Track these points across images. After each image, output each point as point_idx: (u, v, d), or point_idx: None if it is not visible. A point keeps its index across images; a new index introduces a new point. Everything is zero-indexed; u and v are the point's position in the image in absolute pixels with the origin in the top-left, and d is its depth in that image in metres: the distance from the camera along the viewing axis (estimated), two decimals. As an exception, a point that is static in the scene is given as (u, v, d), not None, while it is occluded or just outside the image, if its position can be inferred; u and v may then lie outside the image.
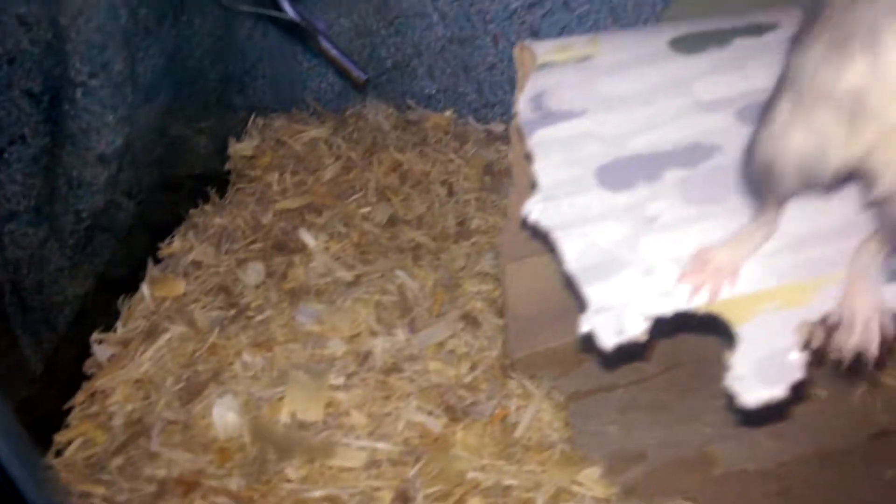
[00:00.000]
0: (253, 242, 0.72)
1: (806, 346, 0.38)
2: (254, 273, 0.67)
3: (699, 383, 0.62)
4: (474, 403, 0.59)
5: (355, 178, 0.83)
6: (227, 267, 0.68)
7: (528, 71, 0.54)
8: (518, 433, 0.57)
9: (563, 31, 0.96)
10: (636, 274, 0.43)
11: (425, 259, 0.73)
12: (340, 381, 0.57)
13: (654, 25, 0.65)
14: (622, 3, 0.95)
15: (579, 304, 0.42)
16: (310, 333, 0.61)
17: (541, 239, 0.48)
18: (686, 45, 0.55)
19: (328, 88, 1.03)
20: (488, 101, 1.01)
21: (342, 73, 0.87)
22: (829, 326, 0.40)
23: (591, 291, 0.42)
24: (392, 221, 0.79)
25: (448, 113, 0.98)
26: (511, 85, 0.96)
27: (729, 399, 0.38)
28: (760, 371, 0.38)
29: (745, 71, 0.52)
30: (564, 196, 0.46)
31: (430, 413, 0.57)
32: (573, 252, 0.44)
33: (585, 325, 0.40)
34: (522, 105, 0.52)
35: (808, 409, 0.59)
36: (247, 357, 0.58)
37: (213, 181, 0.82)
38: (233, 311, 0.63)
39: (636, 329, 0.40)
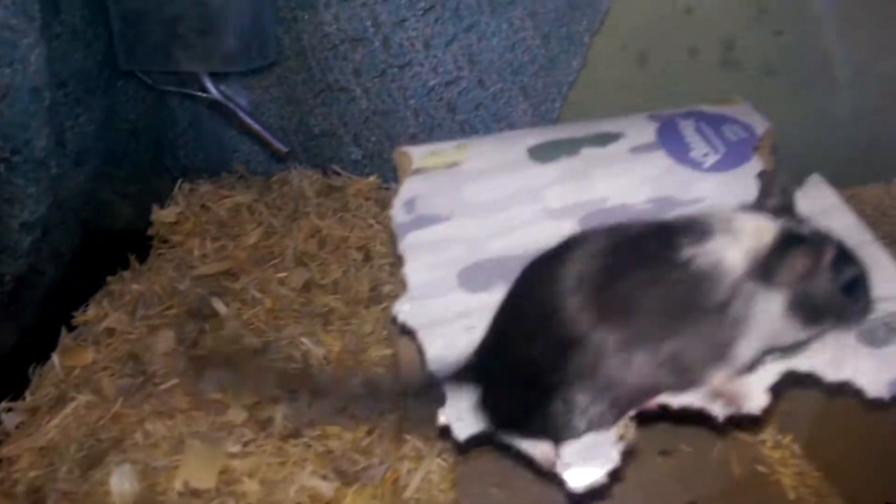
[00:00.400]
0: (168, 309, 0.76)
1: (621, 438, 0.43)
2: (164, 340, 0.70)
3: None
4: (367, 467, 0.62)
5: (275, 243, 0.87)
6: (139, 334, 0.71)
7: (404, 175, 0.60)
8: (407, 495, 0.61)
9: (477, 108, 1.03)
10: None
11: (335, 324, 0.77)
12: (237, 448, 0.60)
13: (516, 132, 0.72)
14: (532, 83, 1.02)
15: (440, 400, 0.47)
16: (212, 401, 0.64)
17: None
18: (541, 153, 0.62)
19: (258, 153, 1.07)
20: (412, 167, 1.07)
21: (265, 146, 0.92)
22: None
23: (448, 388, 0.47)
24: (307, 286, 0.83)
25: (372, 178, 1.03)
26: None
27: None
28: (584, 458, 0.43)
29: (590, 180, 0.59)
30: (429, 297, 0.52)
31: (323, 478, 0.61)
32: (433, 350, 0.49)
33: (441, 418, 0.45)
34: (396, 209, 0.59)
35: (674, 464, 0.65)
36: (149, 425, 0.61)
37: (134, 247, 0.85)
38: (140, 379, 0.66)
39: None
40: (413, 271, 0.53)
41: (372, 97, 1.00)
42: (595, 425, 0.45)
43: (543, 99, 1.04)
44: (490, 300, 0.51)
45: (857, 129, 1.03)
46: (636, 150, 0.61)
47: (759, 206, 0.52)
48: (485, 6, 0.96)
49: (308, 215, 0.91)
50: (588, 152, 0.61)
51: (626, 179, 0.59)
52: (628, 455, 0.44)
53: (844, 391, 0.45)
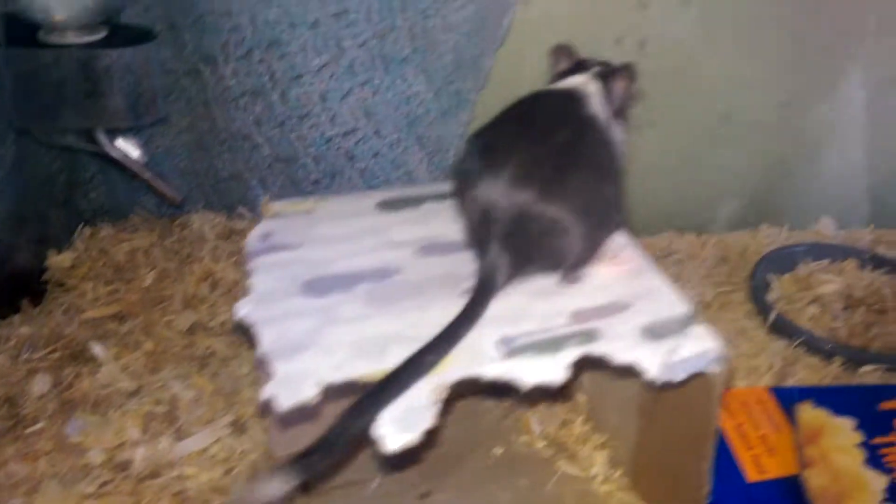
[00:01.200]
0: (52, 352, 0.80)
1: (437, 401, 0.50)
2: (40, 384, 0.75)
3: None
4: (221, 507, 0.68)
5: (167, 287, 0.92)
6: (18, 377, 0.75)
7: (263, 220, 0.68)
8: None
9: (375, 156, 1.10)
10: (316, 353, 0.54)
11: (213, 366, 0.83)
12: (92, 489, 0.65)
13: (368, 192, 0.82)
14: (427, 134, 1.09)
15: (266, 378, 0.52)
16: (75, 444, 0.69)
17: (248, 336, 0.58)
18: (389, 205, 0.70)
19: (166, 196, 1.13)
20: (316, 209, 1.13)
21: (159, 194, 0.97)
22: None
23: (276, 366, 0.53)
24: (193, 329, 0.87)
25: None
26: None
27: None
28: (401, 422, 0.48)
29: (428, 224, 0.67)
30: (270, 301, 0.58)
31: (175, 517, 0.66)
32: (267, 339, 0.55)
33: (265, 393, 0.50)
34: (251, 239, 0.65)
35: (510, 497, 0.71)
36: (12, 467, 0.66)
37: (29, 292, 0.90)
38: (11, 422, 0.71)
39: (309, 394, 0.50)
40: (259, 281, 0.60)
41: (274, 145, 1.06)
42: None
43: (437, 149, 1.10)
44: (328, 303, 0.59)
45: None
46: None
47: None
48: (378, 64, 1.02)
49: (202, 260, 0.96)
50: (429, 206, 0.70)
51: (459, 225, 0.67)
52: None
53: (630, 372, 0.55)
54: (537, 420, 0.79)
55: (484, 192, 0.59)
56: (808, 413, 0.67)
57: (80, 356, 0.80)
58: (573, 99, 0.68)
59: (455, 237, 0.65)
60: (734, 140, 1.10)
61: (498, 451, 0.75)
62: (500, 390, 0.54)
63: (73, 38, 0.79)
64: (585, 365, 0.55)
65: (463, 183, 0.63)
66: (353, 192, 1.01)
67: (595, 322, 0.56)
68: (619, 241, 0.67)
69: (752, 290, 0.94)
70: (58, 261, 0.92)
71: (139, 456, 0.69)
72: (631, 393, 0.67)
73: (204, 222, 1.05)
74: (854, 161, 1.13)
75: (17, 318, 0.85)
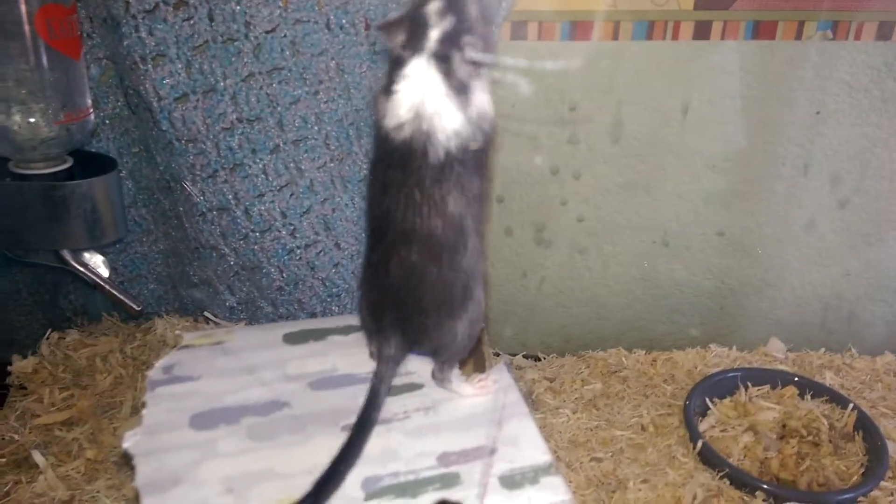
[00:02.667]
0: (0, 458, 0.86)
1: None
2: (-22, 492, 0.80)
3: None
4: None
5: (119, 393, 0.97)
6: (-40, 484, 0.81)
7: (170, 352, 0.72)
8: None
9: (336, 266, 1.15)
10: (187, 489, 0.57)
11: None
12: None
13: (280, 322, 0.87)
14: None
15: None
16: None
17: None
18: (294, 338, 0.75)
19: (142, 298, 1.20)
20: (281, 314, 1.18)
21: (119, 305, 1.04)
22: None
23: (144, 501, 0.56)
24: (137, 438, 0.92)
25: (241, 325, 1.14)
26: (298, 304, 1.14)
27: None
28: None
29: (327, 357, 0.71)
30: (157, 433, 0.62)
31: None
32: (143, 471, 0.58)
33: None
34: (154, 370, 0.70)
35: None
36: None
37: (-2, 394, 0.96)
38: (-56, 532, 0.75)
39: None
40: (150, 413, 0.64)
41: (239, 255, 1.12)
42: None
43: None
44: (211, 437, 0.62)
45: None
46: None
47: None
48: (338, 184, 1.09)
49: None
50: (333, 339, 0.74)
51: (357, 358, 0.73)
52: None
53: None
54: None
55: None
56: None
57: (23, 463, 0.85)
58: None
59: (350, 370, 0.69)
60: (680, 261, 1.13)
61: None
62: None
63: (39, 168, 0.87)
64: None
65: None
66: (264, 324, 1.07)
67: (458, 466, 0.59)
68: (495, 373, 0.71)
69: (685, 416, 0.94)
70: (21, 366, 0.98)
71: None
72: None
73: (167, 327, 1.10)
74: (803, 285, 1.15)
75: (-28, 423, 0.91)
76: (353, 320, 0.77)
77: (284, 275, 1.14)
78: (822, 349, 1.13)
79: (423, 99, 0.62)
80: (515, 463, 0.60)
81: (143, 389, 0.68)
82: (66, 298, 1.18)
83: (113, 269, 1.17)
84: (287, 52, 0.99)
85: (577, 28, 1.03)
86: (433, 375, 0.69)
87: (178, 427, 0.63)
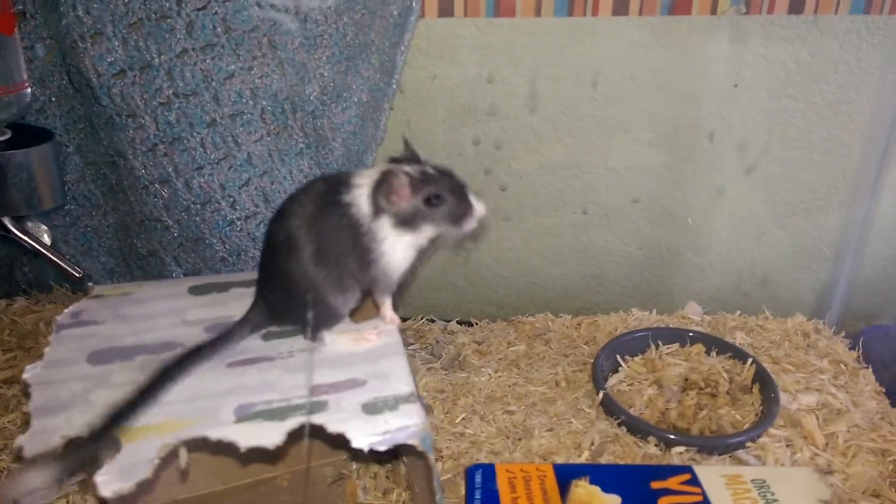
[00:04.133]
0: (-63, 414, 0.91)
1: (158, 457, 0.57)
2: None
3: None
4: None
5: (62, 355, 1.03)
6: None
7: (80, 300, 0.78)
8: None
9: (274, 237, 1.20)
10: (74, 413, 0.63)
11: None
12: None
13: (190, 278, 0.92)
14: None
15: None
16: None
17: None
18: (199, 290, 0.80)
19: (93, 270, 1.25)
20: (226, 286, 1.23)
21: (62, 272, 1.09)
22: None
23: (34, 421, 0.62)
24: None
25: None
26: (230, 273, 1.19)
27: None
28: (122, 473, 0.56)
29: (226, 306, 0.76)
30: (55, 367, 0.67)
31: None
32: (37, 398, 0.64)
33: (17, 442, 0.59)
34: (62, 315, 0.75)
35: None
36: None
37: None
38: None
39: (53, 445, 0.59)
40: (52, 351, 0.70)
41: (182, 227, 1.17)
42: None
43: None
44: (104, 371, 0.68)
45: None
46: None
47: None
48: (275, 157, 1.14)
49: (99, 331, 1.06)
50: (235, 290, 0.80)
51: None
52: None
53: (340, 441, 0.62)
54: (362, 489, 0.85)
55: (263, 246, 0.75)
56: (581, 489, 0.73)
57: (-37, 416, 0.90)
58: (336, 185, 0.78)
59: None
60: (604, 229, 1.18)
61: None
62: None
63: (-24, 139, 0.92)
64: (311, 433, 0.63)
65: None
66: (173, 279, 1.12)
67: (327, 396, 0.64)
68: (378, 322, 0.77)
69: (592, 371, 1.00)
70: (-33, 329, 1.04)
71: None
72: (419, 465, 0.74)
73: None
74: (721, 251, 1.20)
75: (-81, 379, 0.96)
76: (254, 277, 0.83)
77: (227, 246, 1.19)
78: (738, 312, 1.18)
79: None
80: (380, 393, 0.65)
81: (52, 332, 0.73)
82: (21, 270, 1.23)
83: (64, 243, 1.23)
84: (219, 29, 1.03)
85: (501, 4, 1.08)
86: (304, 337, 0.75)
87: (75, 363, 0.68)
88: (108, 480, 0.55)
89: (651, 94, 1.12)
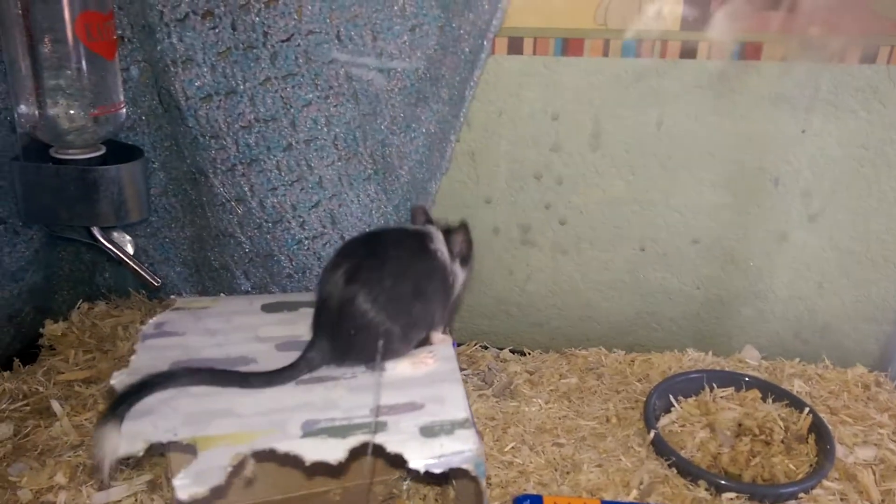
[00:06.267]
0: (24, 405, 0.97)
1: (231, 465, 0.62)
2: (2, 430, 0.91)
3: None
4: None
5: (136, 358, 1.09)
6: (-10, 423, 0.93)
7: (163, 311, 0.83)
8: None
9: (339, 257, 1.25)
10: (157, 418, 0.69)
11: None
12: (15, 522, 0.79)
13: (260, 295, 1.01)
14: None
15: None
16: (12, 483, 0.84)
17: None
18: (270, 308, 0.85)
19: (168, 279, 1.32)
20: (291, 301, 1.28)
21: (141, 280, 1.16)
22: None
23: (124, 427, 0.67)
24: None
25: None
26: (305, 291, 1.24)
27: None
28: (197, 478, 0.60)
29: (295, 325, 0.81)
30: (139, 374, 0.73)
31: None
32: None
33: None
34: (147, 326, 0.80)
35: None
36: (-42, 496, 0.82)
37: (23, 354, 1.08)
38: (-27, 460, 0.87)
39: (137, 448, 0.65)
40: (138, 359, 0.76)
41: (254, 244, 1.23)
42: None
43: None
44: None
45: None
46: None
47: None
48: (344, 182, 1.19)
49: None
50: (303, 310, 0.85)
51: None
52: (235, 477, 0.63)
53: (398, 461, 0.65)
54: (410, 508, 0.88)
55: (323, 286, 0.76)
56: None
57: (45, 412, 0.97)
58: (418, 236, 0.85)
59: None
60: (662, 267, 1.18)
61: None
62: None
63: (75, 154, 1.00)
64: (372, 451, 0.66)
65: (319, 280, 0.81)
66: (247, 295, 1.18)
67: (387, 417, 0.67)
68: (435, 348, 0.81)
69: (644, 409, 1.00)
70: (52, 329, 1.11)
71: (61, 499, 0.83)
72: (469, 490, 0.76)
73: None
74: (780, 296, 1.19)
75: (6, 374, 1.03)
76: None
77: (293, 263, 1.25)
78: (797, 359, 1.16)
79: None
80: (437, 417, 0.68)
81: (137, 340, 0.79)
82: (102, 276, 1.31)
83: (144, 252, 1.30)
84: (300, 60, 1.09)
85: (570, 44, 1.11)
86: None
87: (158, 371, 0.73)
88: (185, 485, 0.59)
89: (716, 137, 1.13)
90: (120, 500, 0.85)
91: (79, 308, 1.19)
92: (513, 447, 0.97)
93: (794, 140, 1.12)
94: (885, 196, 1.14)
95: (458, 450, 0.64)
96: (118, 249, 1.08)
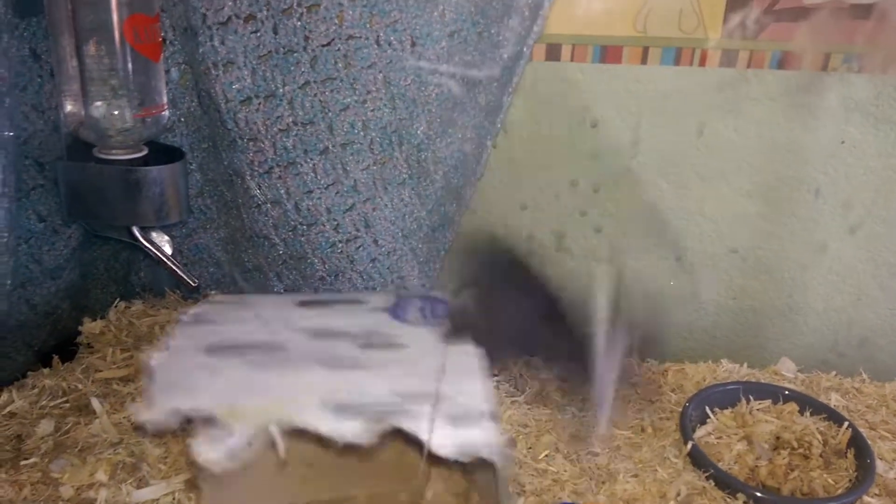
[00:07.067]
0: (64, 402, 0.98)
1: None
2: (44, 426, 0.92)
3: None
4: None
5: (172, 358, 1.10)
6: (31, 420, 0.94)
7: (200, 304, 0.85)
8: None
9: (373, 261, 1.25)
10: (186, 392, 0.71)
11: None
12: (58, 518, 0.80)
13: (296, 294, 1.04)
14: (419, 246, 1.23)
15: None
16: (54, 479, 0.85)
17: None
18: (307, 304, 0.87)
19: (202, 280, 1.34)
20: (322, 303, 1.29)
21: (178, 280, 1.17)
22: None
23: (151, 394, 0.69)
24: (183, 397, 1.04)
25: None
26: (338, 294, 1.25)
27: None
28: (219, 445, 0.63)
29: (331, 318, 0.85)
30: (175, 354, 0.76)
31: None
32: (160, 380, 0.72)
33: (133, 408, 0.67)
34: (185, 315, 0.82)
35: None
36: (1, 490, 0.83)
37: (62, 351, 1.10)
38: (13, 454, 0.88)
39: (163, 415, 0.67)
40: (175, 344, 0.78)
41: (288, 246, 1.24)
42: None
43: (427, 259, 1.25)
44: (218, 361, 0.76)
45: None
46: (371, 309, 0.91)
47: None
48: (379, 186, 1.19)
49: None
50: (338, 307, 0.87)
51: (354, 319, 0.87)
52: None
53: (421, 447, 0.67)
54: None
55: None
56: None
57: (84, 409, 0.98)
58: None
59: (349, 328, 0.81)
60: (696, 276, 1.18)
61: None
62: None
63: (118, 154, 1.01)
64: (396, 435, 0.68)
65: None
66: (283, 293, 1.20)
67: (416, 404, 0.69)
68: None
69: (680, 420, 0.99)
70: (90, 327, 1.13)
71: (102, 497, 0.84)
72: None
73: (220, 305, 1.23)
74: (817, 308, 1.17)
75: (46, 370, 1.05)
76: (361, 296, 0.90)
77: (326, 266, 1.25)
78: (834, 372, 1.15)
79: None
80: (464, 408, 0.70)
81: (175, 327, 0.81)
82: (137, 275, 1.33)
83: (179, 252, 1.32)
84: (340, 64, 1.10)
85: (608, 52, 1.11)
86: None
87: (195, 354, 0.75)
88: (206, 451, 0.61)
89: (754, 146, 1.12)
90: (158, 499, 0.86)
91: (116, 307, 1.20)
92: (546, 455, 0.97)
93: (834, 151, 1.11)
94: (924, 209, 1.12)
95: (483, 440, 0.65)
96: (157, 249, 1.09)
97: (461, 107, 1.16)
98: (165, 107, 1.05)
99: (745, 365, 1.16)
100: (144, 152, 1.04)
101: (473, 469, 0.79)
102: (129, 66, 0.96)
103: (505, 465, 0.66)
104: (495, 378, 1.17)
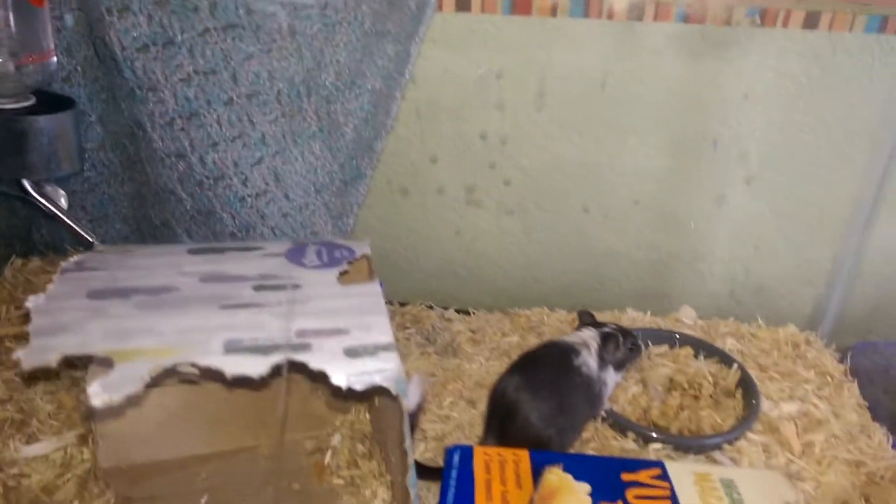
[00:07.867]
0: (-47, 360, 0.95)
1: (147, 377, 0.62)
2: (-73, 386, 0.90)
3: None
4: (46, 505, 0.79)
5: (72, 315, 1.07)
6: (-86, 379, 0.91)
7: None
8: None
9: (284, 216, 1.23)
10: (70, 335, 0.68)
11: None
12: None
13: (186, 244, 1.02)
14: (332, 200, 1.22)
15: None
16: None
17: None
18: (197, 251, 0.86)
19: (101, 236, 1.30)
20: (235, 260, 1.26)
21: (76, 237, 1.13)
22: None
23: (33, 340, 0.67)
24: (81, 353, 1.01)
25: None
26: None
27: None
28: (110, 387, 0.60)
29: (222, 263, 0.83)
30: (56, 299, 0.73)
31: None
32: (37, 323, 0.69)
33: (15, 355, 0.64)
34: (67, 262, 0.80)
35: None
36: None
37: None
38: None
39: (49, 359, 0.64)
40: (54, 287, 0.75)
41: (195, 201, 1.21)
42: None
43: (340, 213, 1.24)
44: (101, 305, 0.73)
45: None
46: (266, 255, 0.88)
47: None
48: (288, 139, 1.17)
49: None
50: (231, 254, 0.86)
51: (246, 264, 0.85)
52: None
53: (323, 378, 0.66)
54: (335, 460, 0.89)
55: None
56: (553, 475, 0.75)
57: (-26, 367, 0.95)
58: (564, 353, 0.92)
59: (241, 272, 0.80)
60: (605, 228, 1.20)
61: (296, 485, 0.85)
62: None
63: (3, 104, 0.96)
64: (293, 368, 0.67)
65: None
66: (171, 244, 1.17)
67: (312, 339, 0.69)
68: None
69: (580, 366, 1.02)
70: (-17, 285, 1.08)
71: (-22, 450, 0.82)
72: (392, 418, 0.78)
73: (125, 262, 1.19)
74: (721, 258, 1.21)
75: (-65, 329, 1.01)
76: (255, 243, 0.90)
77: (236, 221, 1.23)
78: (732, 318, 1.19)
79: None
80: (361, 341, 0.70)
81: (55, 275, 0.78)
82: (38, 232, 1.28)
83: (82, 209, 1.27)
84: (241, 11, 1.07)
85: (518, 3, 1.10)
86: None
87: (75, 297, 0.73)
88: (98, 392, 0.59)
89: (660, 100, 1.14)
90: (48, 455, 0.85)
91: (12, 264, 1.16)
92: (451, 402, 0.98)
93: (737, 104, 1.14)
94: (822, 162, 1.16)
95: (379, 368, 0.65)
96: (51, 204, 1.05)
97: (369, 57, 1.14)
98: (52, 53, 1.00)
99: (650, 313, 1.19)
100: (31, 101, 0.99)
101: (379, 413, 0.80)
102: (9, 9, 0.91)
103: (403, 391, 0.67)
104: (407, 330, 1.18)
